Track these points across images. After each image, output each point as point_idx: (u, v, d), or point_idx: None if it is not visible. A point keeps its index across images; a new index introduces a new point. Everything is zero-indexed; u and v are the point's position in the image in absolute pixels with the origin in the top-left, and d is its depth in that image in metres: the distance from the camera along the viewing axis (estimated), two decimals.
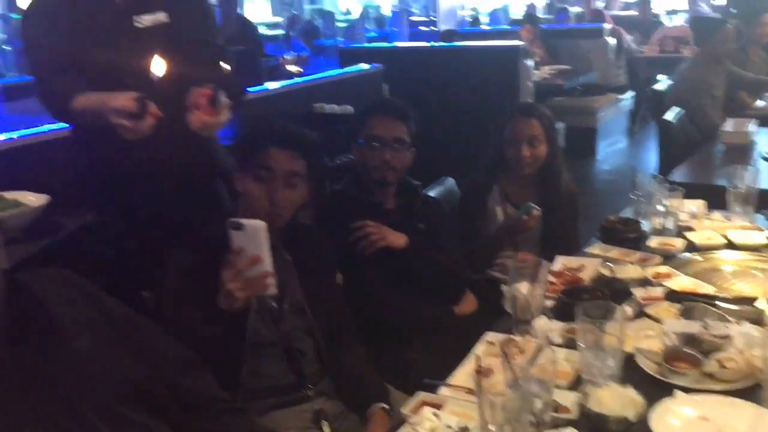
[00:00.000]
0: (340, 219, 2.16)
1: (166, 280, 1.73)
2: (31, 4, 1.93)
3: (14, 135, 2.70)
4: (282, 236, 1.83)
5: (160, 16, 1.90)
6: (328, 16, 10.17)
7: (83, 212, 2.00)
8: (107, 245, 1.97)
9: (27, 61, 1.92)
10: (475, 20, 9.20)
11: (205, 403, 1.42)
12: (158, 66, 1.51)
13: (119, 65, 1.85)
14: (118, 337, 1.36)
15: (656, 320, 1.69)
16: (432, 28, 8.32)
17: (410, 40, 7.91)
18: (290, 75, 5.55)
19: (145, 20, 1.89)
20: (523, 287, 1.68)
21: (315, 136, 1.92)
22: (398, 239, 2.19)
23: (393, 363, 2.03)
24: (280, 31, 9.02)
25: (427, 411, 1.37)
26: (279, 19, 11.81)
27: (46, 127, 2.72)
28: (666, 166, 3.80)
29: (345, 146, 2.98)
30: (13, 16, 10.07)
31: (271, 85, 4.30)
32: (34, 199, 1.99)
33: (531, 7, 10.14)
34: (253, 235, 1.54)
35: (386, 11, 10.81)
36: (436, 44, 5.91)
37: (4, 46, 8.55)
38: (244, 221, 1.55)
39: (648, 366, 1.49)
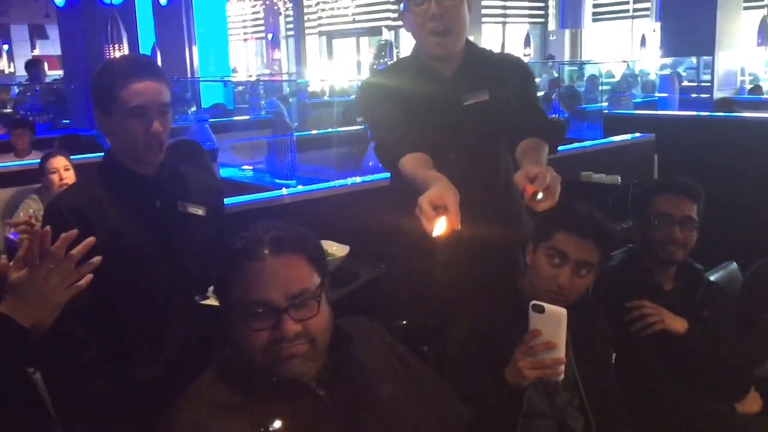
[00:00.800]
0: (616, 296, 2.12)
1: (452, 338, 1.82)
2: (377, 72, 2.10)
3: (318, 186, 3.03)
4: None
5: (483, 95, 2.00)
6: (590, 79, 10.07)
7: (376, 263, 2.16)
8: (393, 297, 2.10)
9: (363, 115, 2.10)
10: (756, 88, 8.50)
11: None
12: (439, 228, 1.52)
13: (442, 138, 1.97)
14: (414, 387, 1.46)
15: None
16: (703, 95, 7.86)
17: (679, 106, 7.55)
18: None
19: (470, 98, 2.00)
20: None
21: (614, 229, 1.89)
22: (678, 324, 2.09)
23: None
24: (540, 93, 9.09)
25: None
26: (537, 80, 11.91)
27: (348, 180, 3.02)
28: None
29: (611, 217, 2.92)
30: (300, 81, 11.44)
31: None
32: (337, 249, 2.19)
33: None
34: (553, 321, 1.57)
35: (653, 75, 10.43)
36: (716, 114, 5.57)
37: (290, 99, 9.68)
38: (547, 306, 1.59)
39: None
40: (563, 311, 1.57)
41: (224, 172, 5.36)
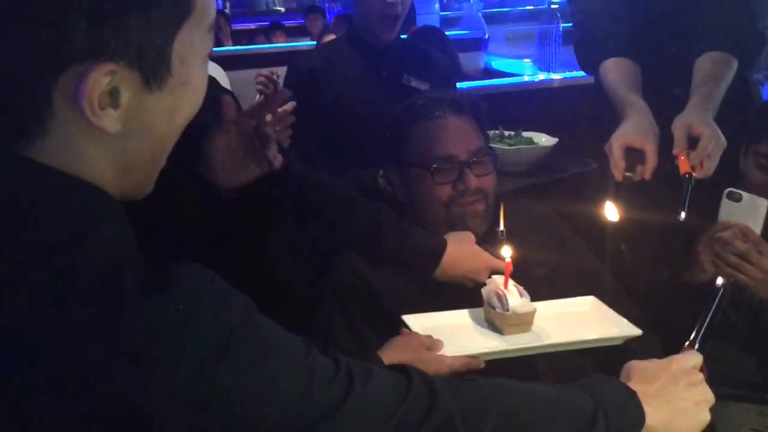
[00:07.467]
0: None
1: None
2: None
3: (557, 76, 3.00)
4: None
5: None
6: None
7: (587, 161, 2.15)
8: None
9: (570, 6, 1.88)
10: None
11: None
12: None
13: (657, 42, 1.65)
14: (575, 272, 1.45)
15: None
16: None
17: None
18: None
19: None
20: None
21: None
22: None
23: None
24: None
25: None
26: None
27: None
28: None
29: None
30: None
31: None
32: (545, 140, 2.36)
33: None
34: (750, 212, 1.43)
35: None
36: None
37: None
38: (745, 194, 1.45)
39: None
40: (764, 201, 1.41)
41: (495, 63, 5.35)
